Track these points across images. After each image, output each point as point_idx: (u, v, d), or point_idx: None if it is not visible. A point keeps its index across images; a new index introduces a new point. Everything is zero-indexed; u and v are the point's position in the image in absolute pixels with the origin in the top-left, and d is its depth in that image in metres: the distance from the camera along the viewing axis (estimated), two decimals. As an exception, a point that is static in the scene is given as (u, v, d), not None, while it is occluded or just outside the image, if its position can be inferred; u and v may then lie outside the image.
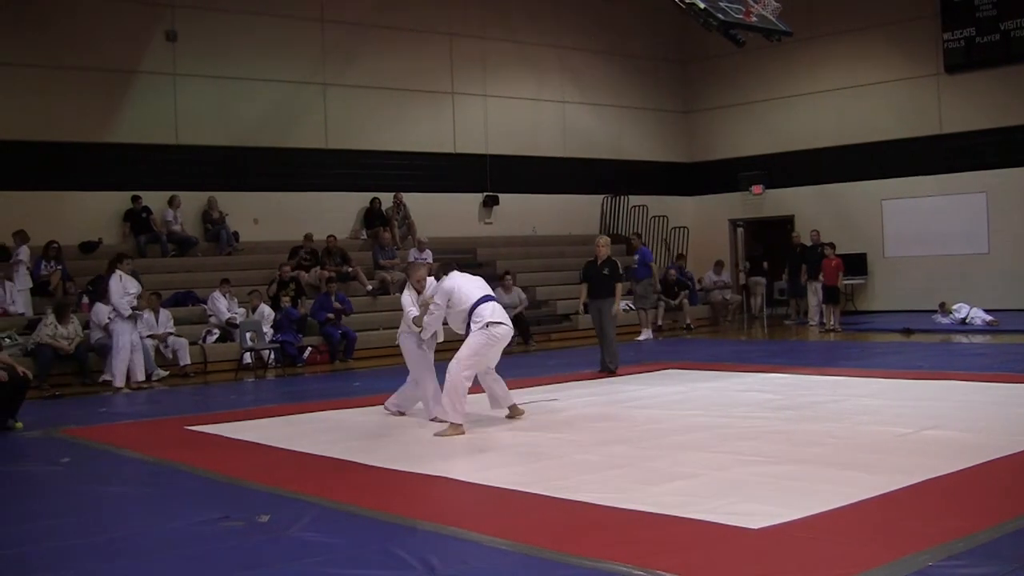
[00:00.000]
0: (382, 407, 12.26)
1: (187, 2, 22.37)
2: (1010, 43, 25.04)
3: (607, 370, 15.75)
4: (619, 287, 16.07)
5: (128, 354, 16.90)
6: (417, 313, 11.56)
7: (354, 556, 6.19)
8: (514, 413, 11.69)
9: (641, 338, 22.74)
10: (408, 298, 11.81)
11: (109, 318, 17.28)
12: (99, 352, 17.50)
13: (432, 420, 11.45)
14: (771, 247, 29.49)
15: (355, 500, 7.67)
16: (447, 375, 10.95)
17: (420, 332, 11.59)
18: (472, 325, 11.15)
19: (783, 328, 25.02)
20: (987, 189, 25.57)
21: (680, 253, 28.02)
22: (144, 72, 22.02)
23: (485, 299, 11.27)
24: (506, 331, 11.28)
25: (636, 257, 23.76)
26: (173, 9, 22.22)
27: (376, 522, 7.03)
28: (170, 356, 18.13)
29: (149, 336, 17.83)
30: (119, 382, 16.76)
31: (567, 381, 15.19)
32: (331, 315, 20.09)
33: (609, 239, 17.04)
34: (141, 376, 17.12)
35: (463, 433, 10.66)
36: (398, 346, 12.13)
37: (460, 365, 10.96)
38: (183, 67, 22.33)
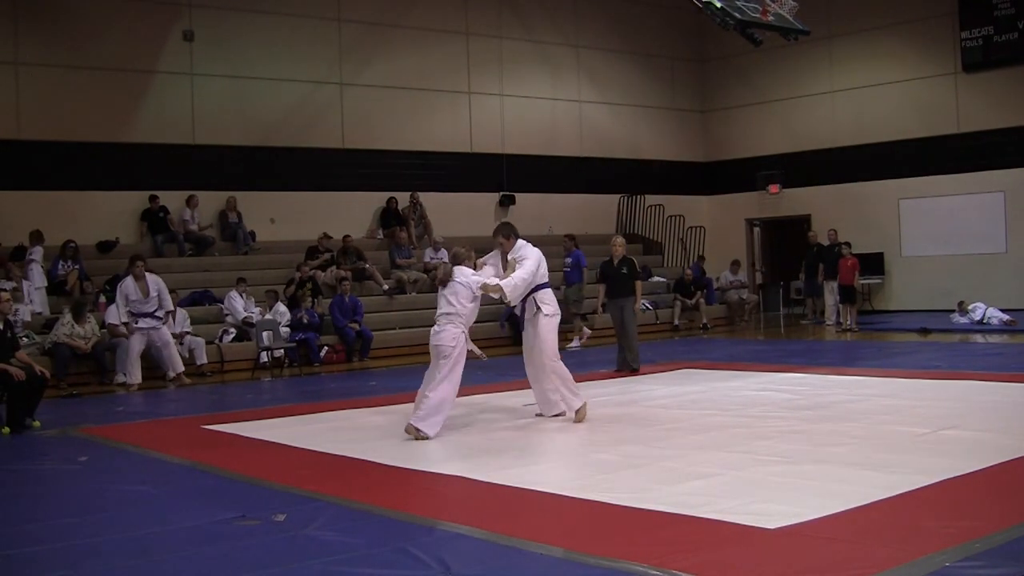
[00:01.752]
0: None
1: (204, 2, 22.42)
2: (1029, 41, 24.97)
3: (631, 369, 15.78)
4: (639, 285, 16.22)
5: (137, 355, 17.08)
6: (513, 286, 10.94)
7: (370, 555, 6.19)
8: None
9: (572, 346, 21.20)
10: (471, 279, 10.94)
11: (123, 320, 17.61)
12: (115, 351, 17.57)
13: (410, 429, 10.36)
14: (788, 247, 29.46)
15: (371, 499, 7.67)
16: (550, 370, 11.11)
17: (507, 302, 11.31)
18: (542, 307, 11.14)
19: (800, 328, 24.97)
20: (1005, 188, 25.49)
21: (700, 255, 27.91)
22: (161, 72, 22.07)
23: (546, 284, 11.38)
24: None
25: (568, 260, 22.29)
26: (190, 9, 22.26)
27: (392, 521, 7.03)
28: (187, 355, 18.14)
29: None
30: (132, 380, 16.90)
31: (583, 380, 15.14)
32: (353, 323, 20.08)
33: (624, 239, 17.08)
34: (179, 368, 17.44)
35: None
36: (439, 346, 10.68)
37: (553, 356, 11.14)
38: (200, 67, 22.37)
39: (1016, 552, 5.72)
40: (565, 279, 21.89)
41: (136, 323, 17.10)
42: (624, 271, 16.10)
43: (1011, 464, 8.07)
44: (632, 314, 16.01)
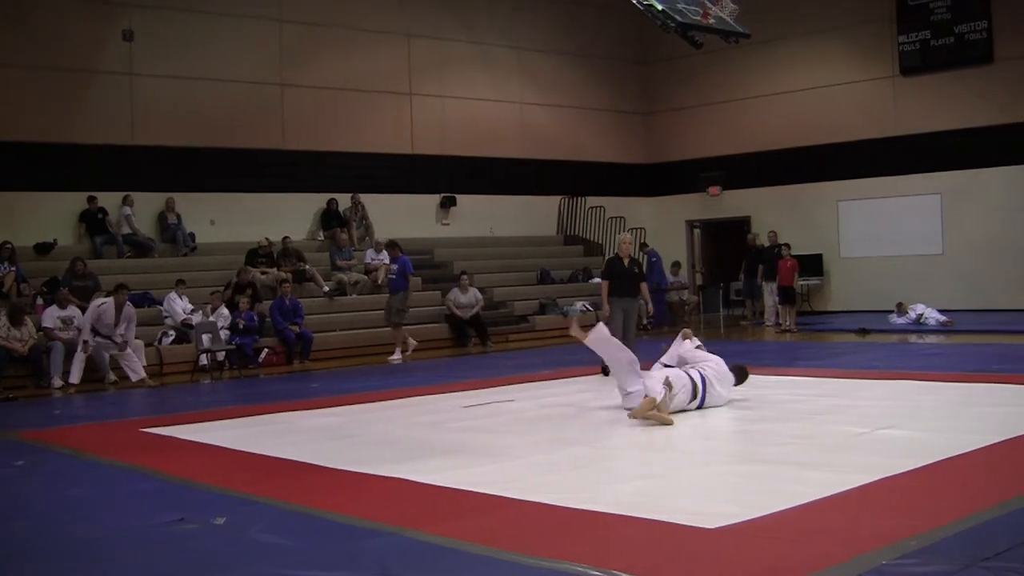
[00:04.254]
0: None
1: (144, 1, 22.20)
2: (964, 46, 25.32)
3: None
4: (644, 286, 15.97)
5: (83, 359, 17.11)
6: None
7: (312, 559, 6.16)
8: None
9: (394, 358, 20.16)
10: None
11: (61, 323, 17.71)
12: (50, 354, 17.38)
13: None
14: (728, 248, 29.63)
15: (313, 502, 7.64)
16: None
17: None
18: None
19: (740, 328, 25.11)
20: (941, 190, 25.80)
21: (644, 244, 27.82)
22: (100, 72, 21.83)
23: None
24: None
25: (394, 267, 21.12)
26: (129, 8, 22.04)
27: (335, 524, 7.00)
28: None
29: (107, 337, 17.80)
30: (72, 379, 16.95)
31: (529, 381, 15.18)
32: (293, 325, 19.97)
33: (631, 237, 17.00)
34: (141, 373, 17.47)
35: None
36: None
37: None
38: (140, 67, 22.14)
39: (950, 549, 5.78)
40: (390, 287, 20.89)
41: (93, 340, 17.27)
42: (636, 271, 15.86)
43: (946, 463, 8.15)
44: (633, 316, 15.79)
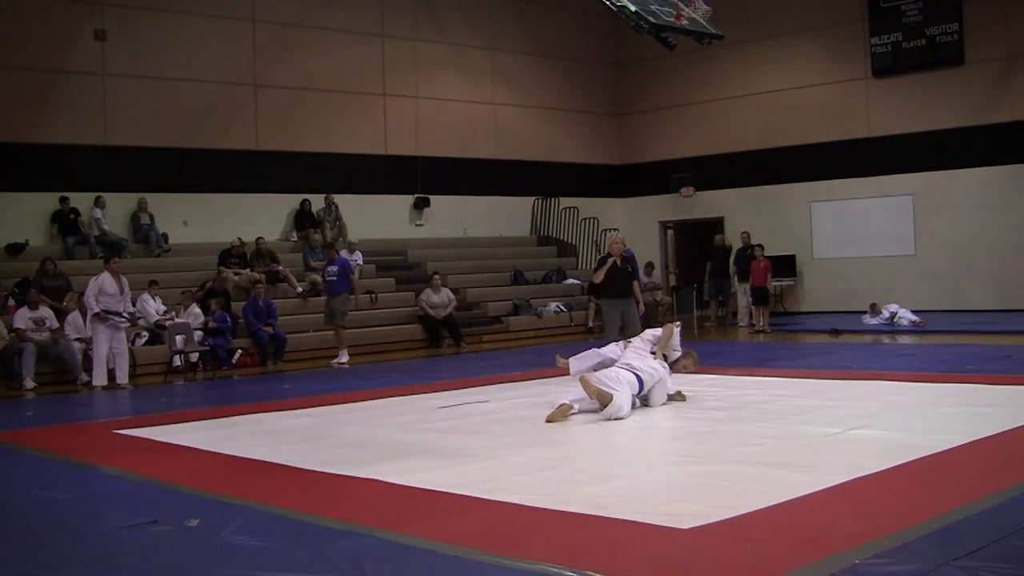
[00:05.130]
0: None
1: (116, 1, 22.11)
2: (936, 48, 25.47)
3: None
4: (636, 285, 15.99)
5: (104, 355, 17.05)
6: None
7: (286, 560, 6.15)
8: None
9: (337, 361, 19.59)
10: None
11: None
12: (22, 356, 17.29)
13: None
14: (702, 249, 29.68)
15: (287, 503, 7.62)
16: None
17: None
18: None
19: (712, 329, 25.17)
20: (914, 191, 25.93)
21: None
22: (72, 72, 21.73)
23: None
24: None
25: (333, 269, 20.10)
26: (102, 8, 21.94)
27: (308, 525, 6.98)
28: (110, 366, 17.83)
29: (77, 339, 17.70)
30: (97, 381, 16.91)
31: (503, 382, 15.17)
32: (267, 326, 19.90)
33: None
34: (125, 379, 17.30)
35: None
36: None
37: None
38: (112, 67, 22.05)
39: (923, 549, 5.80)
40: (329, 289, 20.17)
41: (107, 319, 17.00)
42: (628, 269, 15.84)
43: (918, 463, 8.18)
44: (634, 315, 15.73)
